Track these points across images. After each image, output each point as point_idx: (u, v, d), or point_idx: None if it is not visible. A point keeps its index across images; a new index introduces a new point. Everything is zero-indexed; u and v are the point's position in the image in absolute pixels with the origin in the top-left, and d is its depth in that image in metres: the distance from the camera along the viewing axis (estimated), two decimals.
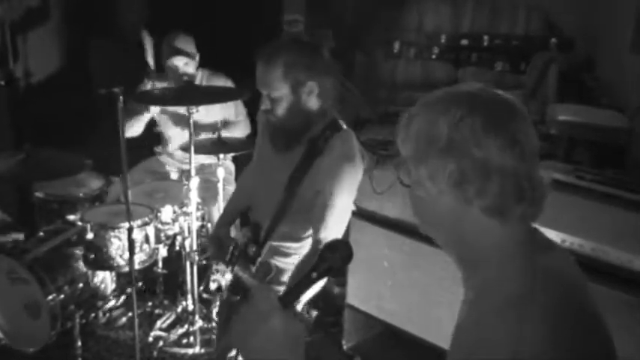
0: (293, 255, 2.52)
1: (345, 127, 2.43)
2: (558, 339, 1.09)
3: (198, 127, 3.69)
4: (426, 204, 1.28)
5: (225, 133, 3.64)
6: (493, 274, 1.21)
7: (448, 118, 1.20)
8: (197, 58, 3.94)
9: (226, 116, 3.98)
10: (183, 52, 3.84)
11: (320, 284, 1.82)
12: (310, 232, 2.45)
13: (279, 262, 2.52)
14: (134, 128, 3.87)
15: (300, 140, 2.40)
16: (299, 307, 2.23)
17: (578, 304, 1.19)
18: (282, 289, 2.47)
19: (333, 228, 2.32)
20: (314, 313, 2.27)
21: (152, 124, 4.07)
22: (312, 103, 2.35)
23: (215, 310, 3.51)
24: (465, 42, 6.74)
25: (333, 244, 1.41)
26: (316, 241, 2.32)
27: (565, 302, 1.15)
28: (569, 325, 1.13)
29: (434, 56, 6.73)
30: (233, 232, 2.88)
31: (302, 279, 1.37)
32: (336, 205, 2.31)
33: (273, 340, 1.25)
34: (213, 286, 2.56)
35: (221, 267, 2.55)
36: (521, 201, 1.20)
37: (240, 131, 3.96)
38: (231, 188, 3.97)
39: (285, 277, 2.50)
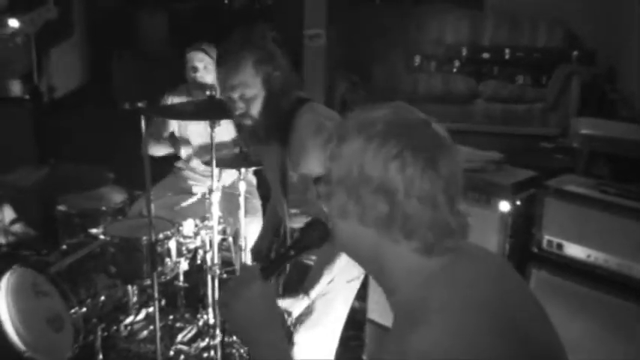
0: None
1: (307, 98, 2.42)
2: (453, 339, 1.12)
3: (219, 143, 3.71)
4: (347, 232, 1.30)
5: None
6: (409, 296, 1.25)
7: (383, 155, 1.20)
8: None
9: None
10: (205, 51, 3.87)
11: None
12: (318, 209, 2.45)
13: (307, 260, 2.52)
14: (155, 151, 3.94)
15: (280, 130, 2.39)
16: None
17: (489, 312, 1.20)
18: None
19: None
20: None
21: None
22: (280, 93, 2.34)
23: None
24: (486, 55, 6.74)
25: (312, 223, 1.48)
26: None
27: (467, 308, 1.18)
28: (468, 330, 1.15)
29: (455, 69, 6.73)
30: None
31: (281, 255, 1.48)
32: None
33: (252, 305, 1.38)
34: None
35: None
36: (448, 237, 1.24)
37: None
38: (256, 201, 3.99)
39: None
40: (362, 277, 2.60)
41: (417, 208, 1.20)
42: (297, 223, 2.50)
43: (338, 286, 2.46)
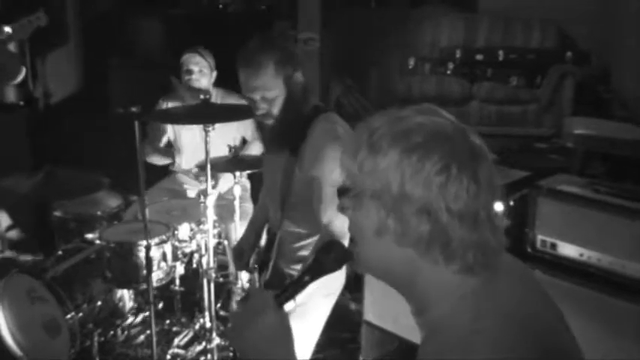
0: (299, 252, 2.52)
1: (326, 109, 2.44)
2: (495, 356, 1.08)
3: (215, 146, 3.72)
4: (380, 251, 1.20)
5: (243, 152, 3.66)
6: (446, 312, 1.17)
7: (427, 171, 1.11)
8: (213, 74, 3.97)
9: (243, 135, 4.01)
10: (201, 54, 3.89)
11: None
12: (314, 227, 2.46)
13: (292, 270, 2.52)
14: (155, 160, 3.98)
15: (299, 138, 2.40)
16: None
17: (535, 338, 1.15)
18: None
19: (333, 208, 2.29)
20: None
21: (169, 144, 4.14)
22: (301, 93, 2.37)
23: None
24: (479, 57, 6.75)
25: (328, 245, 1.40)
26: (323, 227, 2.34)
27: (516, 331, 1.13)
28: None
29: (449, 72, 6.74)
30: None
31: (296, 280, 1.38)
32: (328, 183, 2.29)
33: (265, 336, 1.28)
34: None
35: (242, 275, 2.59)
36: (489, 256, 1.17)
37: (257, 149, 3.98)
38: (248, 205, 3.99)
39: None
40: (339, 292, 2.60)
41: (460, 228, 1.12)
42: (290, 227, 2.50)
43: (315, 298, 2.44)
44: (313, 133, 2.36)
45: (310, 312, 2.47)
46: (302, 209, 2.45)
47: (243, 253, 2.73)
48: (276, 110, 2.34)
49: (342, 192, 1.24)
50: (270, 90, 2.31)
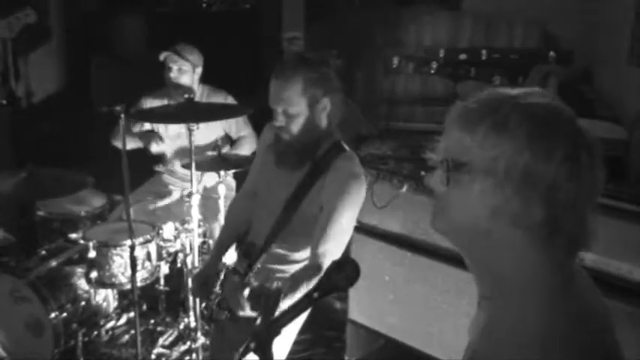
0: (278, 273, 2.50)
1: (348, 149, 2.45)
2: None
3: (199, 145, 3.71)
4: (487, 226, 1.15)
5: (231, 150, 3.66)
6: (515, 304, 1.14)
7: (558, 156, 1.07)
8: (197, 70, 3.96)
9: (227, 131, 4.01)
10: (180, 53, 3.88)
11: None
12: (303, 255, 2.45)
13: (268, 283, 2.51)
14: (131, 145, 3.92)
15: (306, 159, 2.40)
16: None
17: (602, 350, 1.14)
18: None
19: (334, 243, 2.32)
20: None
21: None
22: (323, 121, 2.37)
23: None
24: (463, 56, 6.77)
25: (340, 263, 1.36)
26: (314, 255, 2.32)
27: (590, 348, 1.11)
28: None
29: (432, 71, 6.75)
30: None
31: (302, 298, 1.34)
32: (340, 221, 2.31)
33: None
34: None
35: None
36: (582, 248, 1.15)
37: (248, 147, 3.97)
38: None
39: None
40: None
41: (571, 216, 1.10)
42: (283, 249, 2.49)
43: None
44: (339, 169, 2.35)
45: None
46: (296, 234, 2.45)
47: (207, 281, 2.59)
48: (294, 128, 2.32)
49: (455, 166, 1.15)
50: (293, 106, 2.29)
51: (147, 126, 4.03)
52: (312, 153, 2.40)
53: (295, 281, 2.31)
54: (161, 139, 3.95)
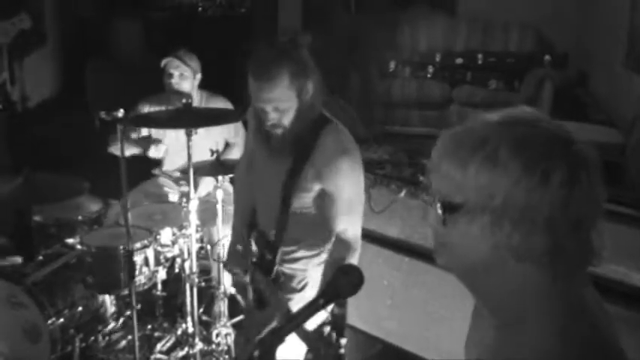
0: (302, 259, 2.53)
1: (332, 119, 2.43)
2: None
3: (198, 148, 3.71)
4: (491, 261, 1.13)
5: (224, 155, 3.65)
6: (529, 331, 1.11)
7: (554, 185, 1.04)
8: (197, 76, 3.96)
9: (226, 137, 4.01)
10: (181, 58, 3.88)
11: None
12: (318, 234, 2.48)
13: (286, 268, 2.53)
14: (129, 152, 3.90)
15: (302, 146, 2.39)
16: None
17: None
18: (291, 296, 2.50)
19: (348, 217, 2.37)
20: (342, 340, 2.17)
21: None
22: (312, 105, 2.36)
23: (215, 332, 3.50)
24: (459, 61, 6.80)
25: (344, 270, 1.35)
26: (338, 235, 2.39)
27: None
28: None
29: (429, 75, 6.78)
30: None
31: (307, 305, 1.33)
32: (343, 197, 2.34)
33: None
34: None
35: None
36: (587, 266, 1.14)
37: (238, 152, 3.97)
38: (231, 209, 3.98)
39: (294, 283, 2.53)
40: None
41: (574, 238, 1.07)
42: (293, 233, 2.51)
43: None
44: (324, 144, 2.34)
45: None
46: (301, 217, 2.46)
47: (237, 249, 2.72)
48: (286, 121, 2.31)
49: (451, 208, 1.13)
50: (284, 102, 2.28)
51: (144, 132, 4.02)
52: (313, 138, 2.38)
53: (332, 267, 2.38)
54: (160, 142, 3.95)
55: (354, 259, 2.39)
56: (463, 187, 1.10)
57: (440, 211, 1.16)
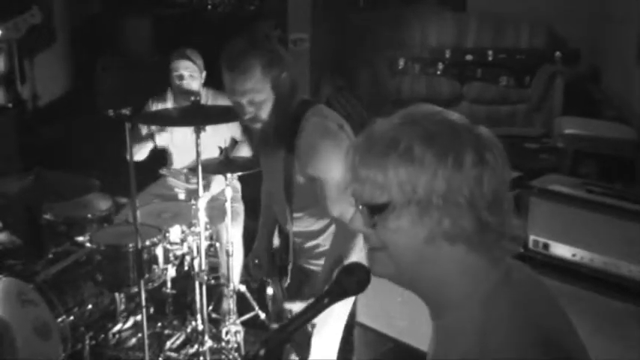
0: (316, 249, 2.53)
1: (313, 101, 2.42)
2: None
3: (206, 147, 3.71)
4: (427, 254, 1.18)
5: (232, 153, 3.65)
6: (470, 313, 1.18)
7: (467, 167, 1.12)
8: (203, 75, 3.96)
9: (233, 135, 4.00)
10: (190, 58, 3.88)
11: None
12: (324, 222, 2.46)
13: (311, 265, 2.53)
14: (138, 154, 3.90)
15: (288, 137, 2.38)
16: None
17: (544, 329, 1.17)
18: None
19: (343, 203, 2.25)
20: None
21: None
22: (288, 93, 2.33)
23: (224, 330, 3.50)
24: (469, 57, 6.76)
25: (350, 267, 1.34)
26: (335, 221, 2.36)
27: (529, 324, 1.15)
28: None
29: (439, 72, 6.75)
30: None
31: (312, 304, 1.32)
32: (331, 181, 2.27)
33: None
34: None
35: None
36: (513, 247, 1.20)
37: (247, 150, 3.96)
38: (239, 206, 3.98)
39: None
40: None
41: (494, 212, 1.14)
42: (301, 226, 2.50)
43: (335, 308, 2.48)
44: (305, 129, 2.32)
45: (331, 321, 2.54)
46: (308, 207, 2.45)
47: (260, 258, 2.71)
48: (264, 114, 2.29)
49: (378, 209, 1.18)
50: (258, 93, 2.26)
51: (151, 143, 4.02)
52: (296, 125, 2.35)
53: (332, 255, 2.37)
54: (164, 130, 3.94)
55: (356, 247, 2.28)
56: (385, 186, 1.15)
57: (367, 215, 1.20)
